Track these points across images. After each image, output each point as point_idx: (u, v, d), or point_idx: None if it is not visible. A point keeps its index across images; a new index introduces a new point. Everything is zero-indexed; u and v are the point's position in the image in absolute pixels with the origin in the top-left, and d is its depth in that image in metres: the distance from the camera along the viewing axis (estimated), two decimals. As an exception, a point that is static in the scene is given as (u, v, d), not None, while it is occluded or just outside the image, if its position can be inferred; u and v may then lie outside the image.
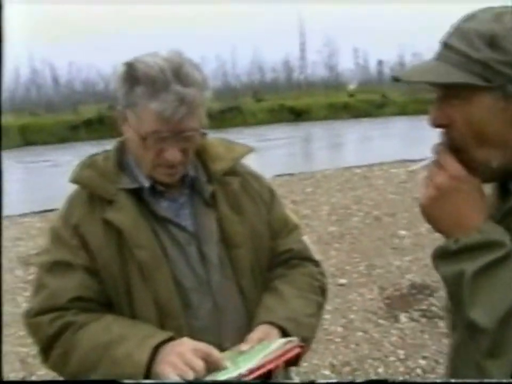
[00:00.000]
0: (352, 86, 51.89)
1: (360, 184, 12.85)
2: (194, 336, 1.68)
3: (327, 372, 4.54)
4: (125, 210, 1.71)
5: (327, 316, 5.56)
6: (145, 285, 1.69)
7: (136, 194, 1.76)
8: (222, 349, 1.66)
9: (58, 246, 1.74)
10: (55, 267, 1.72)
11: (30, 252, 8.51)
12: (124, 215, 1.71)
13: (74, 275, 1.70)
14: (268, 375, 1.54)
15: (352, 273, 6.78)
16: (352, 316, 5.59)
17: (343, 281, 6.50)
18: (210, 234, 1.79)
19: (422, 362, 4.57)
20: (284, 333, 1.71)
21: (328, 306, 5.79)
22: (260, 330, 1.70)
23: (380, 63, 64.14)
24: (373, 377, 4.40)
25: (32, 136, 33.78)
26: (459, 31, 1.21)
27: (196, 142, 1.73)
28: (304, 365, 4.67)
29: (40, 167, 22.62)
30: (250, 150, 1.95)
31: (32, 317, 1.73)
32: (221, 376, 1.49)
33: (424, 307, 5.64)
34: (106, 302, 1.72)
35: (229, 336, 1.74)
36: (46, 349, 1.73)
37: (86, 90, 56.90)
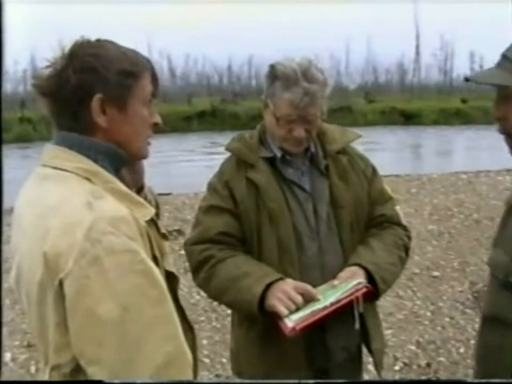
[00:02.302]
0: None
1: (464, 188, 13.02)
2: (303, 268, 2.30)
3: (413, 347, 5.03)
4: (262, 173, 2.34)
5: (418, 302, 6.04)
6: (271, 228, 2.31)
7: (271, 162, 2.38)
8: (324, 280, 2.25)
9: (213, 195, 2.40)
10: (210, 210, 2.39)
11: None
12: (261, 175, 2.34)
13: (222, 216, 2.35)
14: (347, 306, 2.14)
15: (445, 268, 7.17)
16: (441, 304, 6.01)
17: (436, 273, 6.92)
18: (322, 196, 2.38)
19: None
20: (368, 273, 2.26)
21: (419, 294, 6.26)
22: (348, 270, 2.27)
23: (497, 69, 62.47)
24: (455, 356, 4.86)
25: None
26: None
27: (317, 125, 2.33)
28: (393, 339, 5.18)
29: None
30: (359, 136, 2.54)
31: (189, 245, 2.41)
32: (313, 306, 2.09)
33: None
34: (242, 238, 2.36)
35: (329, 272, 2.30)
36: (195, 271, 2.39)
37: (200, 83, 57.90)
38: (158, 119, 1.70)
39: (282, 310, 2.06)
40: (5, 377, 4.60)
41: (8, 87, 45.67)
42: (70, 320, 1.38)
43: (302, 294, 2.11)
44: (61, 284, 1.37)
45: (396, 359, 4.83)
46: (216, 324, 5.55)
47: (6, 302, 6.13)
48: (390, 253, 2.40)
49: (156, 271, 1.46)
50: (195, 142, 27.83)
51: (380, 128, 34.19)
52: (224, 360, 4.81)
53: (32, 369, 4.75)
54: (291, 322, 2.03)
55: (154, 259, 1.53)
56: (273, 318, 2.11)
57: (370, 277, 2.26)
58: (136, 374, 1.37)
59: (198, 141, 28.19)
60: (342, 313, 2.22)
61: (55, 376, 1.49)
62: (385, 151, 23.21)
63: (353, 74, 59.22)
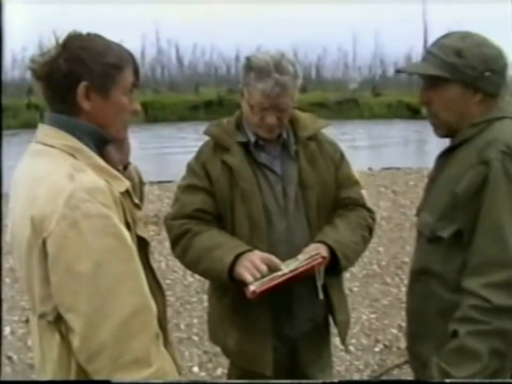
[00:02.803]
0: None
1: (462, 181, 13.14)
2: (271, 244, 2.51)
3: (394, 331, 5.24)
4: (236, 156, 2.55)
5: (403, 289, 6.21)
6: (243, 206, 2.52)
7: (245, 146, 2.59)
8: (291, 255, 2.44)
9: (191, 175, 2.62)
10: (187, 188, 2.61)
11: (149, 214, 9.50)
12: (236, 158, 2.55)
13: (199, 194, 2.57)
14: (304, 273, 2.35)
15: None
16: (426, 291, 6.20)
17: (424, 262, 7.11)
18: (291, 178, 2.59)
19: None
20: (331, 250, 2.46)
21: (406, 281, 6.43)
22: (313, 246, 2.47)
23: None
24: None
25: (154, 113, 35.10)
26: (438, 44, 2.08)
27: (288, 113, 2.53)
28: (376, 323, 5.40)
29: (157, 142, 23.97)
30: (328, 124, 2.75)
31: (169, 220, 2.62)
32: (274, 274, 2.31)
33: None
34: (217, 215, 2.57)
35: (296, 247, 2.49)
36: (174, 244, 2.61)
37: (208, 73, 57.71)
38: (137, 106, 1.93)
39: (248, 277, 2.28)
40: (4, 349, 4.86)
41: (16, 73, 45.90)
42: (51, 274, 1.61)
43: (267, 264, 2.32)
44: (44, 242, 1.60)
45: (377, 341, 5.06)
46: (207, 304, 5.75)
47: (7, 280, 6.41)
48: (353, 232, 2.61)
49: (126, 234, 1.68)
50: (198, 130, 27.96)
51: (385, 122, 34.23)
52: (212, 338, 5.04)
53: (29, 342, 4.98)
54: (253, 286, 2.25)
55: (127, 225, 1.75)
56: (240, 285, 2.33)
57: (333, 254, 2.47)
58: (107, 321, 1.60)
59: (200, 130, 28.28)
60: (308, 286, 2.45)
61: (42, 323, 1.73)
62: (390, 144, 23.36)
63: (361, 67, 59.01)
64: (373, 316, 5.57)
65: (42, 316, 1.71)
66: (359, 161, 14.04)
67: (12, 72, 45.68)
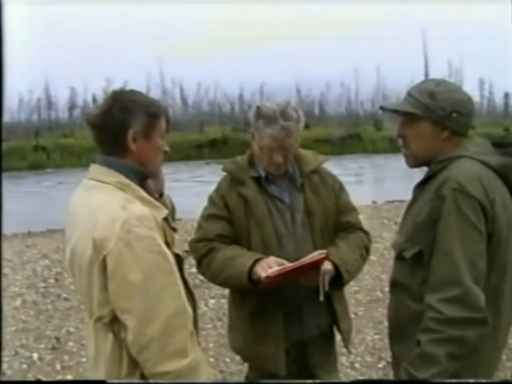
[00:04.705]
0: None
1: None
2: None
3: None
4: (250, 188, 2.99)
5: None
6: (258, 231, 2.95)
7: (257, 180, 3.02)
8: None
9: (211, 206, 3.06)
10: (209, 217, 3.04)
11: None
12: (250, 190, 2.98)
13: (219, 222, 3.00)
14: (311, 265, 2.74)
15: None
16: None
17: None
18: (298, 206, 3.02)
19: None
20: (335, 267, 2.85)
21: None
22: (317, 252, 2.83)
23: (507, 96, 61.32)
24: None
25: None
26: (417, 87, 2.47)
27: (293, 152, 2.96)
28: (379, 343, 5.76)
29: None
30: (327, 159, 3.17)
31: (194, 243, 3.05)
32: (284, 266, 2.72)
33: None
34: (234, 239, 2.99)
35: None
36: (199, 261, 3.03)
37: (212, 111, 57.94)
38: (167, 148, 2.38)
39: (263, 273, 2.69)
40: (34, 374, 5.28)
41: (22, 115, 46.36)
42: (109, 283, 2.05)
43: (280, 265, 2.73)
44: (104, 259, 2.05)
45: (381, 358, 5.43)
46: (221, 330, 6.12)
47: (31, 312, 6.83)
48: (353, 251, 3.02)
49: (168, 252, 2.14)
50: (204, 169, 28.42)
51: (388, 155, 34.57)
52: (227, 359, 5.43)
53: (58, 367, 5.42)
54: (266, 273, 2.68)
55: (167, 244, 2.20)
56: (258, 284, 2.74)
57: (337, 270, 2.85)
58: (155, 320, 2.04)
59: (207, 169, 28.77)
60: (315, 298, 2.83)
61: (98, 325, 2.17)
62: (394, 178, 23.73)
63: (363, 102, 59.22)
64: (376, 336, 5.93)
65: (99, 319, 2.15)
66: (363, 195, 14.34)
67: (19, 114, 46.19)
